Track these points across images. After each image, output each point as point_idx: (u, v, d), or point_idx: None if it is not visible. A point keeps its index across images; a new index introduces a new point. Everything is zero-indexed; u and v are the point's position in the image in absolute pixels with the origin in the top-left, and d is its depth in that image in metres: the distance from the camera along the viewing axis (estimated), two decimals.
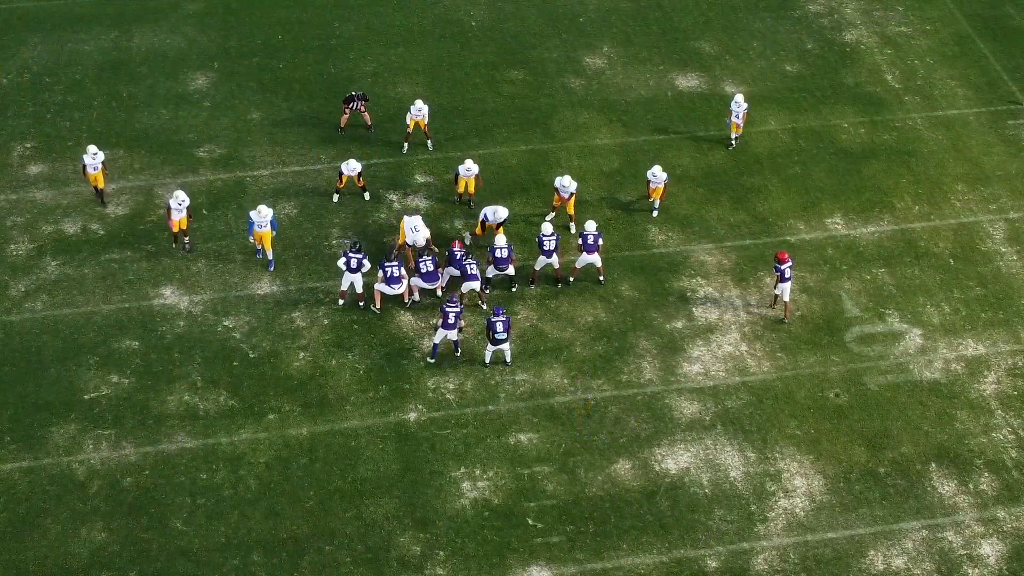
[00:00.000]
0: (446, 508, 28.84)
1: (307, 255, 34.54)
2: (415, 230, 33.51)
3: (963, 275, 34.43)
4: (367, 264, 32.72)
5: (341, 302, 33.02)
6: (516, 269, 33.67)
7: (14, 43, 41.68)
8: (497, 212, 34.09)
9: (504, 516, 28.72)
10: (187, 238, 34.32)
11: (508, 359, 31.69)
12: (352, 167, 35.26)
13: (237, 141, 38.11)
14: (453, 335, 31.36)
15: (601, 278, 33.78)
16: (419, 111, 37.03)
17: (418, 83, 40.23)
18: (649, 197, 35.72)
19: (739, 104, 37.27)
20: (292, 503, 28.91)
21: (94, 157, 34.90)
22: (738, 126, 37.55)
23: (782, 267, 32.16)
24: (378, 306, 32.92)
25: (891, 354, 32.37)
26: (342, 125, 38.14)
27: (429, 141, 37.61)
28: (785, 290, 32.48)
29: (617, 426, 30.56)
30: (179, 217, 33.83)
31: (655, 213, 35.71)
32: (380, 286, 32.66)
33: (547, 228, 33.22)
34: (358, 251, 32.62)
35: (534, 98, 39.86)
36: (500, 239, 33.08)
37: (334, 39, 42.13)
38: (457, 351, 31.88)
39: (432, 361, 31.73)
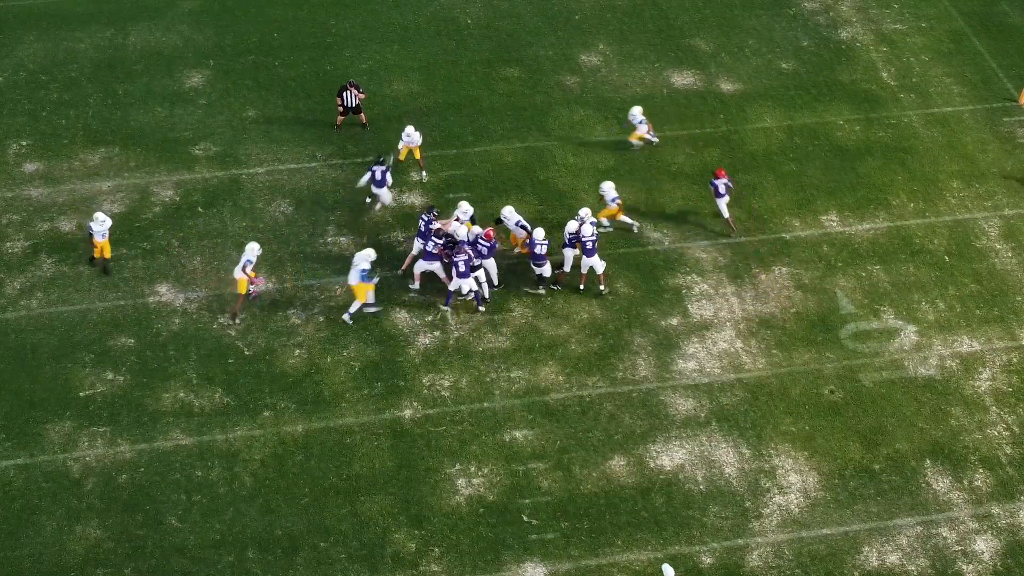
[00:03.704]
0: (441, 505, 28.86)
1: (302, 253, 34.56)
2: (465, 213, 33.63)
3: (958, 272, 34.46)
4: (390, 179, 35.02)
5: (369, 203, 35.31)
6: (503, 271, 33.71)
7: (10, 41, 41.70)
8: (507, 214, 33.85)
9: (499, 513, 28.74)
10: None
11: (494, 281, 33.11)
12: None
13: (233, 139, 38.12)
14: (468, 284, 32.01)
15: (602, 287, 33.48)
16: (408, 136, 36.10)
17: (414, 81, 40.25)
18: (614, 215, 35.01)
19: (635, 117, 37.07)
20: (287, 500, 28.93)
21: (102, 224, 33.22)
22: (639, 134, 37.27)
23: (717, 182, 34.31)
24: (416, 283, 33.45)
25: (886, 351, 32.39)
26: (337, 124, 38.14)
27: (424, 173, 36.72)
28: (722, 205, 34.52)
29: (612, 423, 30.58)
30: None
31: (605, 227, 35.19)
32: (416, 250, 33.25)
33: (539, 234, 32.96)
34: (382, 163, 34.84)
35: (530, 96, 39.88)
36: (539, 232, 32.80)
37: (330, 37, 42.14)
38: (480, 306, 32.57)
39: (445, 308, 32.57)
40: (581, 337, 32.52)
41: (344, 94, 37.51)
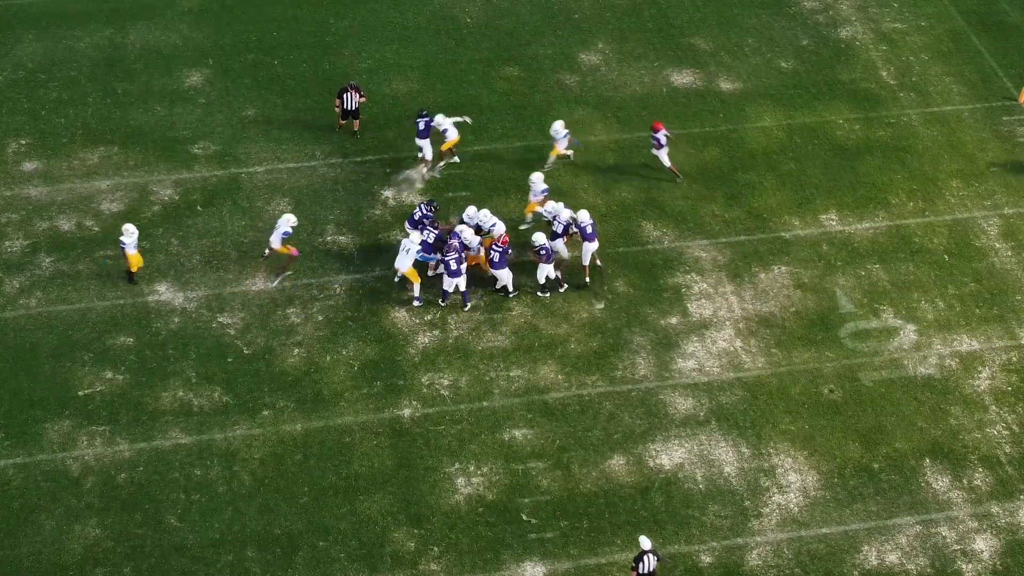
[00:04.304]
0: (440, 504, 28.86)
1: (302, 251, 34.52)
2: (471, 219, 33.53)
3: (958, 271, 34.45)
4: (437, 122, 35.82)
5: (426, 170, 36.48)
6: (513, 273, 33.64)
7: (9, 40, 41.66)
8: (484, 218, 33.83)
9: (498, 512, 28.73)
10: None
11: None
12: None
13: (232, 138, 38.10)
14: (456, 283, 32.19)
15: (599, 263, 33.64)
16: (440, 126, 36.00)
17: (413, 80, 40.23)
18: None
19: (557, 132, 36.44)
20: (286, 499, 28.92)
21: (132, 236, 32.63)
22: (558, 150, 36.68)
23: (657, 135, 35.68)
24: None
25: (885, 350, 32.38)
26: (339, 124, 38.08)
27: (427, 168, 36.74)
28: (663, 155, 35.98)
29: (611, 422, 30.58)
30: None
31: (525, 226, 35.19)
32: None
33: (540, 237, 32.95)
34: (424, 115, 35.95)
35: (529, 95, 39.85)
36: (540, 236, 32.84)
37: (329, 36, 42.11)
38: (466, 304, 32.64)
39: (443, 304, 32.68)
40: (580, 336, 32.52)
41: (344, 95, 37.44)
